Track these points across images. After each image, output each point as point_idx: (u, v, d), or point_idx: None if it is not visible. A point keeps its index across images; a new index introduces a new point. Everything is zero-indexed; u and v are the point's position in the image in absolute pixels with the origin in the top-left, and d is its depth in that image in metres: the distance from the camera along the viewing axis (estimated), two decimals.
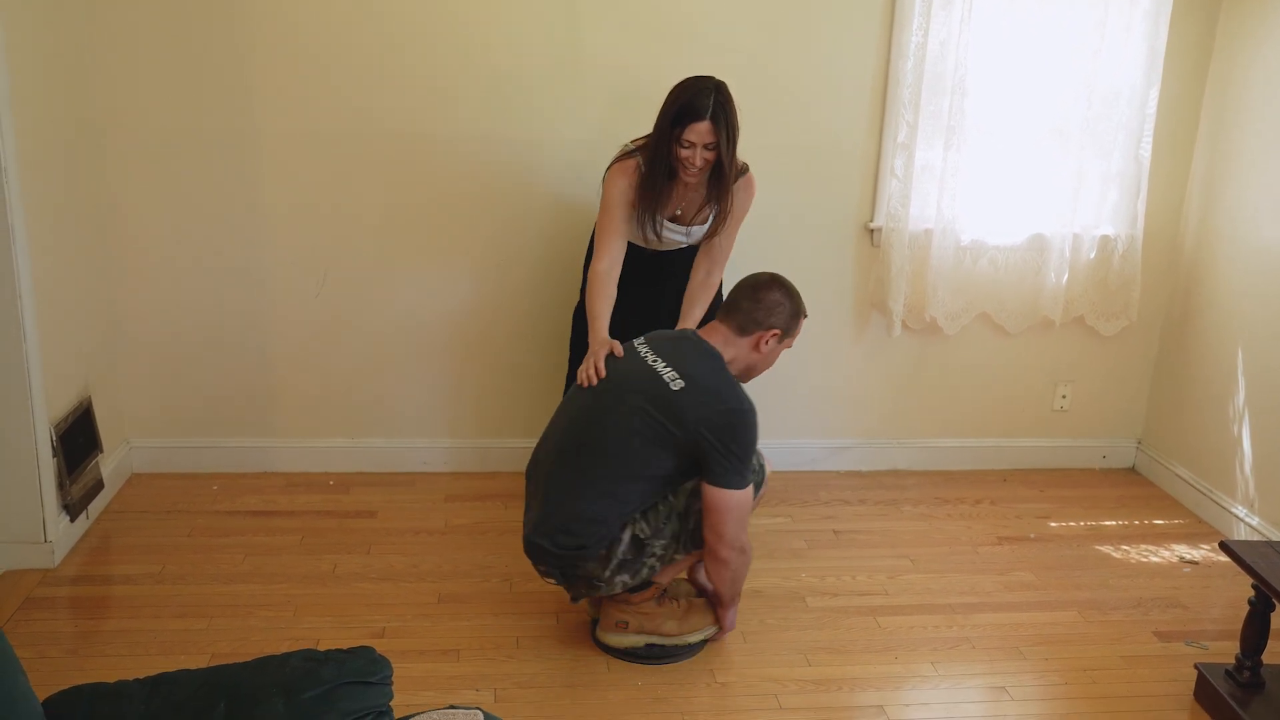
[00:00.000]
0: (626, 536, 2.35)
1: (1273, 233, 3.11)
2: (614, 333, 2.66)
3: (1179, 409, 3.54)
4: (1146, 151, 3.32)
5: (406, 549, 2.97)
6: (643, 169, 2.65)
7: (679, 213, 2.76)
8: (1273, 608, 2.30)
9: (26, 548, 2.74)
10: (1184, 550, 3.17)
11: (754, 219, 2.88)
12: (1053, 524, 3.30)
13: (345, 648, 1.71)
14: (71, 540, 2.89)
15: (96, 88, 3.01)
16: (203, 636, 2.51)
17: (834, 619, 2.72)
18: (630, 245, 2.77)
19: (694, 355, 2.38)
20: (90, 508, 3.00)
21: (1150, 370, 3.67)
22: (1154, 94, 3.27)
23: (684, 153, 2.56)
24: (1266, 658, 2.36)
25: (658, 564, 2.39)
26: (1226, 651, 2.53)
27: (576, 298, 3.03)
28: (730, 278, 3.28)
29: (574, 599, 2.49)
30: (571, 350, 3.03)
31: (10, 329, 2.59)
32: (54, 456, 2.79)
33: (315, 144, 3.13)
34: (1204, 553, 3.16)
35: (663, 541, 2.37)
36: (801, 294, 2.51)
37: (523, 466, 3.54)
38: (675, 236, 2.80)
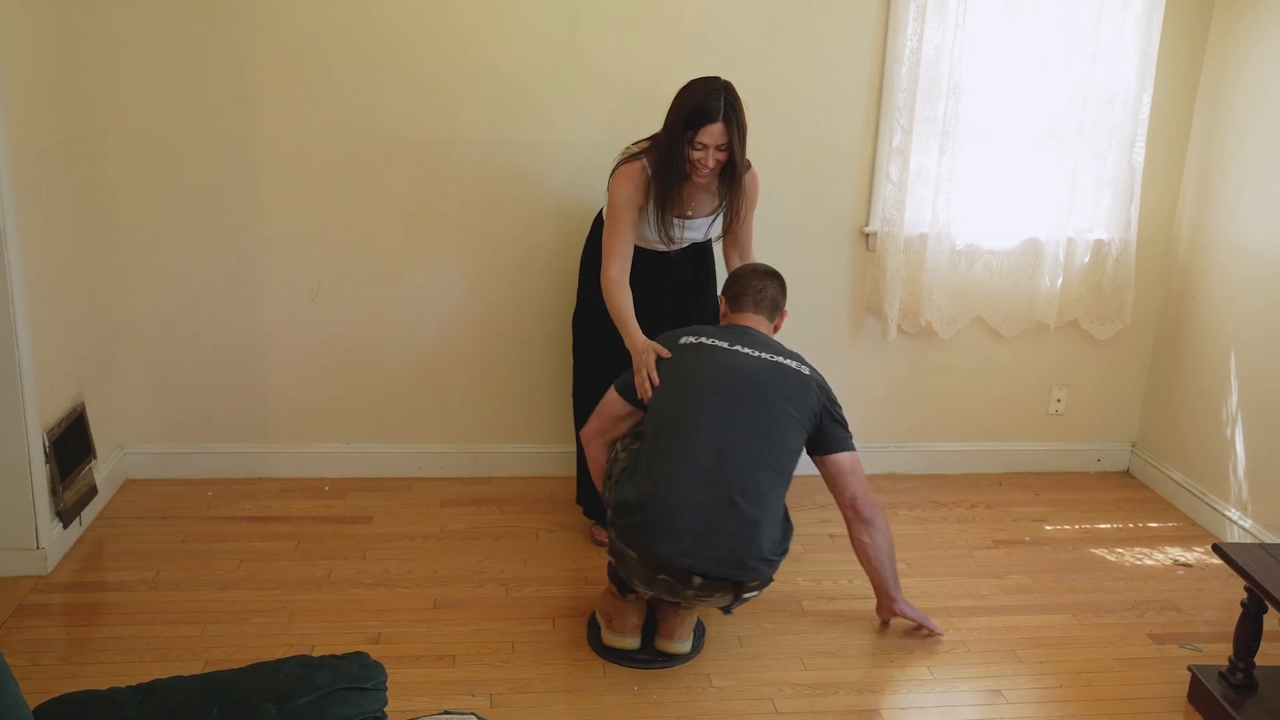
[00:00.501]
0: None
1: (1265, 237, 3.12)
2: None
3: (1173, 412, 3.55)
4: (1140, 156, 3.33)
5: (402, 554, 2.97)
6: (649, 171, 2.67)
7: (689, 212, 2.78)
8: (1265, 610, 2.30)
9: (19, 554, 2.73)
10: (1178, 553, 3.18)
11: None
12: (1048, 527, 3.31)
13: (340, 654, 1.70)
14: (64, 547, 2.88)
15: (93, 90, 3.00)
16: (197, 643, 2.50)
17: (830, 623, 2.72)
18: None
19: (771, 340, 2.53)
20: (83, 514, 2.99)
21: (1144, 374, 3.68)
22: (1147, 98, 3.28)
23: (696, 154, 2.59)
24: (1259, 659, 2.36)
25: None
26: (1220, 653, 2.54)
27: (574, 303, 3.03)
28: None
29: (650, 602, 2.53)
30: (577, 358, 3.02)
31: (3, 333, 2.58)
32: (47, 463, 2.77)
33: (313, 148, 3.13)
34: (1197, 555, 3.16)
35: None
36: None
37: (518, 471, 3.55)
38: (692, 235, 2.83)
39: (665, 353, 2.51)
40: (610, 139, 2.95)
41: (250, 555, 2.92)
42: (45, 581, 2.74)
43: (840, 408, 2.53)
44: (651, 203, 2.70)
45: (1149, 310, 3.60)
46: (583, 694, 2.39)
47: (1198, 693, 2.41)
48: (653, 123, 2.74)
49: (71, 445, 2.92)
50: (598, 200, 2.96)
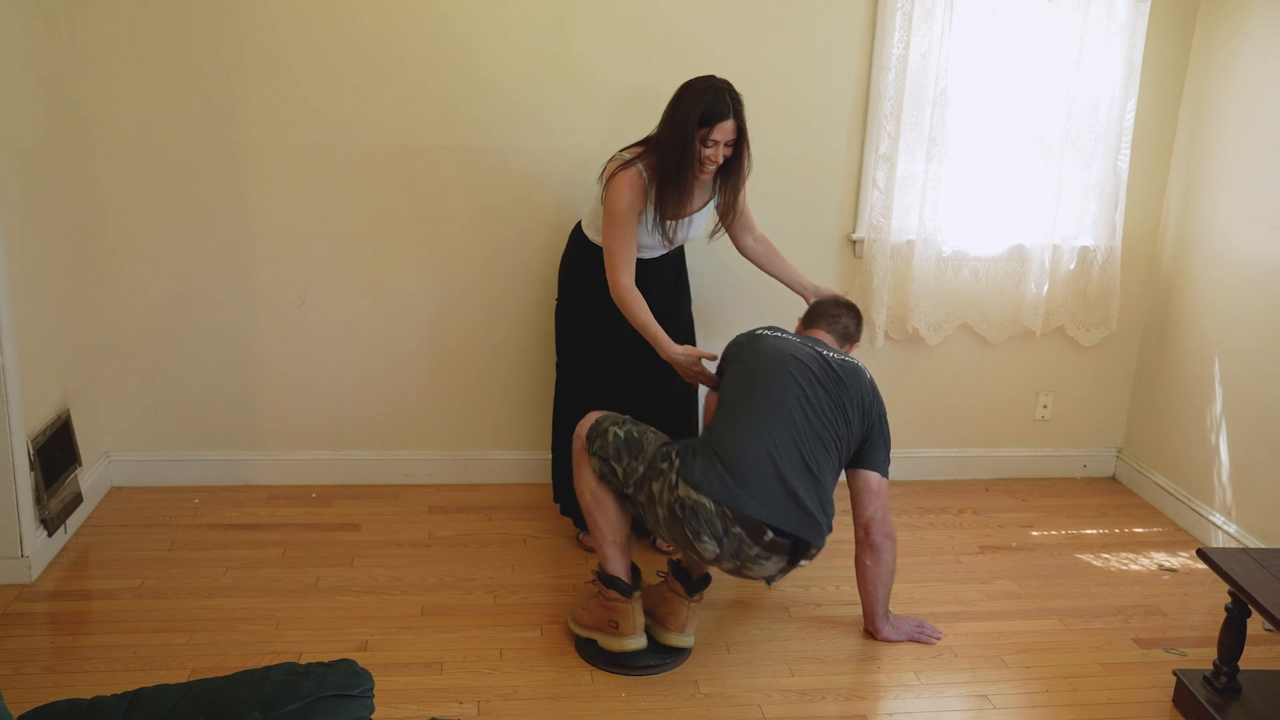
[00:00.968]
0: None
1: (1248, 243, 3.15)
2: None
3: (1158, 418, 3.57)
4: (1125, 163, 3.36)
5: (389, 562, 2.96)
6: (646, 176, 2.67)
7: (687, 210, 2.81)
8: (1249, 614, 2.32)
9: (3, 563, 2.71)
10: (1163, 558, 3.20)
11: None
12: (1034, 533, 3.32)
13: (327, 661, 1.70)
14: (49, 555, 2.87)
15: (79, 97, 3.00)
16: (183, 651, 2.49)
17: (817, 629, 2.72)
18: None
19: (841, 353, 2.63)
20: (68, 522, 2.97)
21: (1130, 380, 3.70)
22: (1131, 106, 3.31)
23: (707, 151, 2.63)
24: (1243, 663, 2.38)
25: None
26: (1205, 658, 2.55)
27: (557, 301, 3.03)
28: (724, 279, 3.31)
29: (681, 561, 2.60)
30: (560, 354, 3.01)
31: None
32: (31, 470, 2.76)
33: (300, 154, 3.12)
34: (1182, 560, 3.18)
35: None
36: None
37: (506, 478, 3.54)
38: (693, 232, 2.87)
39: (711, 355, 2.67)
40: (601, 147, 2.96)
41: (237, 563, 2.91)
42: (29, 590, 2.72)
43: (889, 430, 2.59)
44: (651, 206, 2.71)
45: (1134, 316, 3.62)
46: (570, 701, 2.39)
47: (1183, 697, 2.42)
48: (644, 129, 2.75)
49: (56, 452, 2.90)
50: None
